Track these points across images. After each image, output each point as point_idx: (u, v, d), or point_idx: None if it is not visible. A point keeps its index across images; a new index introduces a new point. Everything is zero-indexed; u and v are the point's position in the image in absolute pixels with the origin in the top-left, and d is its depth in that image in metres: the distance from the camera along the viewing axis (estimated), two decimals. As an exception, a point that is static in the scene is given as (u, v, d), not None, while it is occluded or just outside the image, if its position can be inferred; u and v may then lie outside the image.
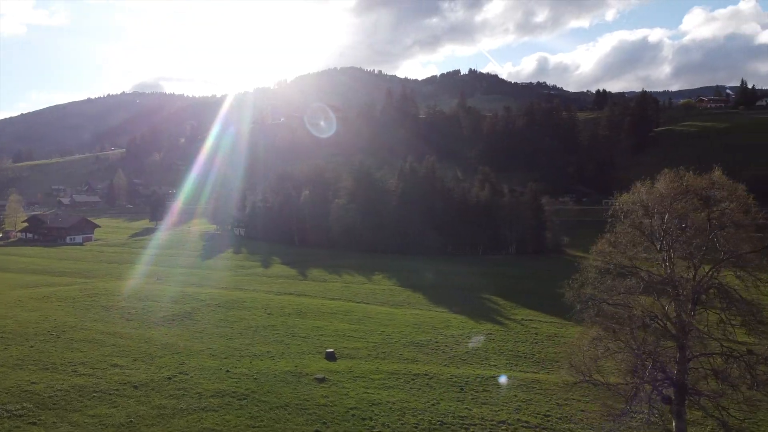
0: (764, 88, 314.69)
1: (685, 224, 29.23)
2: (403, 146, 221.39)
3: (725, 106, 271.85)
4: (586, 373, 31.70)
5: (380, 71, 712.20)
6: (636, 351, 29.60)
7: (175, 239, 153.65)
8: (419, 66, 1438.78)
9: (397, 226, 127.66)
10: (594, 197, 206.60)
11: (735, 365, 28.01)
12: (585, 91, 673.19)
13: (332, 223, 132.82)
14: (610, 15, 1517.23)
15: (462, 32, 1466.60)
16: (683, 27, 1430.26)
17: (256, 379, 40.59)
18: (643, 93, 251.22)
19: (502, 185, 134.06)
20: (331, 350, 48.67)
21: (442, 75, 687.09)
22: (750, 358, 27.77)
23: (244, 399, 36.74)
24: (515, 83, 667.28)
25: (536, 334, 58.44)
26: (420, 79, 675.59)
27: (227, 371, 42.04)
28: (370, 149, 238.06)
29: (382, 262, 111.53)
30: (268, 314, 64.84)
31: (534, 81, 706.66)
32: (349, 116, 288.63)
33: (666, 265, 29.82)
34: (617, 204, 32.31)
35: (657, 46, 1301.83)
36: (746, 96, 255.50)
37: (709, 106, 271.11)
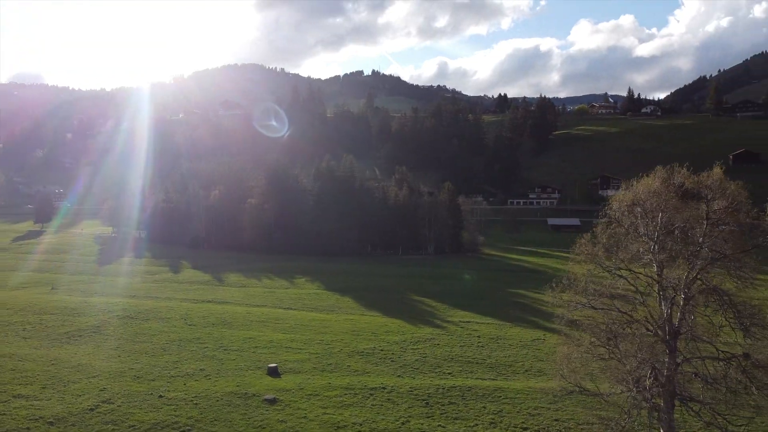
0: (648, 97, 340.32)
1: (680, 223, 27.99)
2: (312, 145, 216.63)
3: (614, 112, 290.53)
4: (577, 382, 29.87)
5: (282, 69, 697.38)
6: (637, 358, 27.98)
7: (66, 243, 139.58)
8: (322, 65, 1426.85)
9: (315, 227, 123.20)
10: (500, 197, 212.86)
11: (731, 369, 27.09)
12: (482, 95, 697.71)
13: (246, 224, 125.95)
14: (505, 23, 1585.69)
15: (365, 33, 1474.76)
16: (571, 38, 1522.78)
17: (196, 404, 35.45)
18: (543, 98, 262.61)
19: (419, 185, 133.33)
20: (274, 365, 44.12)
21: (346, 75, 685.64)
22: (747, 361, 26.94)
23: (189, 431, 31.67)
24: (417, 86, 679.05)
25: (478, 337, 56.79)
26: (323, 78, 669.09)
27: (160, 396, 36.52)
28: (276, 147, 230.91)
29: (302, 264, 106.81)
30: (190, 325, 58.83)
31: (435, 84, 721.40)
32: (254, 114, 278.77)
33: (658, 266, 28.40)
34: (614, 203, 30.52)
35: (547, 55, 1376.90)
36: (633, 103, 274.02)
37: (600, 111, 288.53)
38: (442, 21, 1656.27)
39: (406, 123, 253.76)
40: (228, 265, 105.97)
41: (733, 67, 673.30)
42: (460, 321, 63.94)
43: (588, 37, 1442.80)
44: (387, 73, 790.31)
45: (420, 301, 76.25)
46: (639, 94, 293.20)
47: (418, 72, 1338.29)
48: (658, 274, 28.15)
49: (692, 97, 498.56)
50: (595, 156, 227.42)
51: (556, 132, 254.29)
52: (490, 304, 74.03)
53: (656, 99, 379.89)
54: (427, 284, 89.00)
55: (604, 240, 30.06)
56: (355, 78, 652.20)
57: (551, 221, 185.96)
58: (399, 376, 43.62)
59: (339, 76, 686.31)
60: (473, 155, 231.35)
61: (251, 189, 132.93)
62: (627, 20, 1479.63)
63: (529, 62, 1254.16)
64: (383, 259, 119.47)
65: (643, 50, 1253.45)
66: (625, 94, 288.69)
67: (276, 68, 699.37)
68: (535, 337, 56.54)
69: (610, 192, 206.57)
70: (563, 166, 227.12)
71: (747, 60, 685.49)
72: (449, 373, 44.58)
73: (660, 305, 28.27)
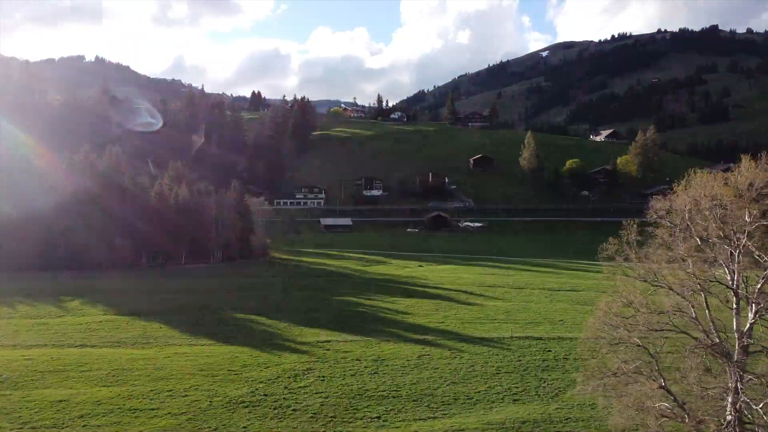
0: (395, 102, 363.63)
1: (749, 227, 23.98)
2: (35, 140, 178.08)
3: (364, 116, 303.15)
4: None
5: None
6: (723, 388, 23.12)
7: None
8: (31, 44, 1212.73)
9: (69, 235, 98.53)
10: (267, 197, 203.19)
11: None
12: (221, 93, 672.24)
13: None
14: (246, 22, 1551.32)
15: (89, 14, 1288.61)
16: (309, 43, 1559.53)
17: None
18: (303, 98, 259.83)
19: (204, 184, 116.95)
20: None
21: (64, 58, 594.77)
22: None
23: None
24: (150, 77, 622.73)
25: (358, 360, 48.11)
26: (36, 60, 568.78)
27: None
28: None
29: (63, 283, 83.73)
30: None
31: (170, 78, 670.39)
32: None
33: (731, 274, 24.03)
34: (675, 202, 25.12)
35: (287, 58, 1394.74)
36: (383, 109, 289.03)
37: (351, 115, 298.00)
38: (178, 11, 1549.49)
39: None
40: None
41: (446, 84, 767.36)
42: (319, 342, 54.25)
43: (326, 44, 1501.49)
44: (114, 60, 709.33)
45: (251, 320, 64.01)
46: (387, 101, 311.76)
47: (151, 63, 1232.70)
48: (734, 284, 23.83)
49: (414, 107, 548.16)
50: (355, 157, 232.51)
51: (315, 133, 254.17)
52: (330, 317, 65.55)
53: (373, 107, 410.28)
54: (242, 298, 76.31)
55: (682, 251, 24.60)
56: (74, 63, 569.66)
57: (324, 221, 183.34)
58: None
59: (54, 59, 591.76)
60: (234, 154, 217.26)
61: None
62: (361, 32, 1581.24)
63: (269, 63, 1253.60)
64: (165, 270, 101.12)
65: (373, 62, 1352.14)
66: (357, 101, 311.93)
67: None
68: (418, 354, 50.01)
69: (374, 192, 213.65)
70: (326, 167, 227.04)
71: (456, 78, 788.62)
72: (380, 418, 35.36)
73: (734, 320, 23.99)
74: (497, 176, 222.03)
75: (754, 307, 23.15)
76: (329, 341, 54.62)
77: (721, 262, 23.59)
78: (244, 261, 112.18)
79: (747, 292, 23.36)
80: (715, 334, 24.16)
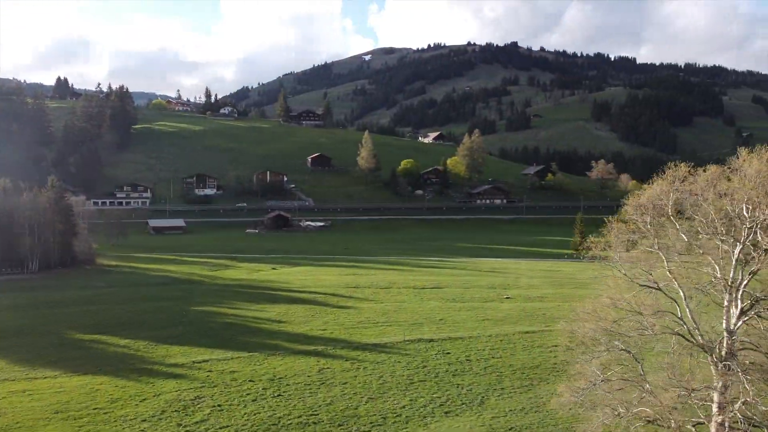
0: (193, 99, 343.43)
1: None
2: None
3: (190, 110, 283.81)
4: None
5: None
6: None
7: None
8: None
9: None
10: (81, 196, 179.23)
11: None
12: (11, 78, 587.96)
13: None
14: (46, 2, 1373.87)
15: None
16: (122, 30, 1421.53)
17: None
18: (122, 87, 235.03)
19: (11, 180, 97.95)
20: None
21: None
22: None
23: None
24: None
25: (251, 382, 41.85)
26: None
27: None
28: None
29: None
30: None
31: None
32: None
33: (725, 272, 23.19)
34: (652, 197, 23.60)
35: (92, 44, 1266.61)
36: (212, 104, 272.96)
37: (177, 108, 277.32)
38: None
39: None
40: None
41: (271, 81, 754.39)
42: (195, 363, 46.72)
43: (141, 32, 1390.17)
44: None
45: (98, 341, 53.69)
46: (216, 95, 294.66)
47: None
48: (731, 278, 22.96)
49: (239, 103, 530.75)
50: (185, 153, 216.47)
51: (137, 126, 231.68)
52: (195, 332, 57.61)
53: (202, 101, 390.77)
54: (77, 314, 64.40)
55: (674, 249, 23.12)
56: None
57: (153, 223, 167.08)
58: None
59: None
60: (39, 147, 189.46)
61: None
62: (179, 23, 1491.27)
63: (73, 49, 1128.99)
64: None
65: (193, 55, 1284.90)
66: (173, 94, 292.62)
67: None
68: (316, 368, 45.01)
69: (208, 191, 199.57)
70: (151, 164, 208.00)
71: (281, 76, 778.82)
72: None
73: (727, 314, 23.17)
74: (336, 175, 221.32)
75: (739, 304, 22.68)
76: (206, 360, 47.31)
77: (711, 259, 22.81)
78: (67, 270, 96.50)
79: (733, 288, 22.81)
80: (699, 334, 23.39)
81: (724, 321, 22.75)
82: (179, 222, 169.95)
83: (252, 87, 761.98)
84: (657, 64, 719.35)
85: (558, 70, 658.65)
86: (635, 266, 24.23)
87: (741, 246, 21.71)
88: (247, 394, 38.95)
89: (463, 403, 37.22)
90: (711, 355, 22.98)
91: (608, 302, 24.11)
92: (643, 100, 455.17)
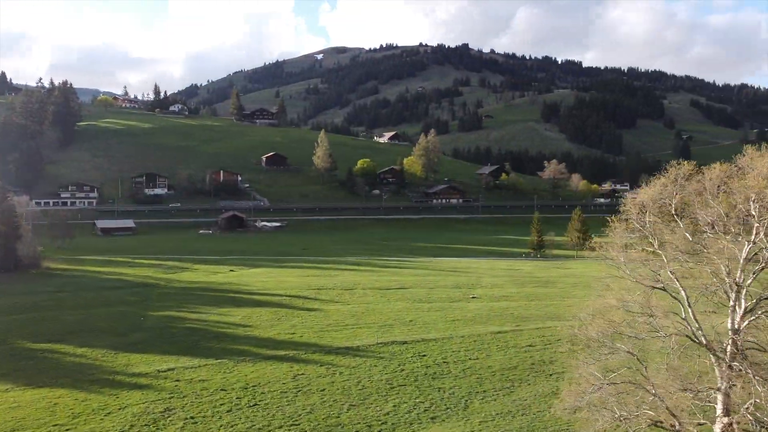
0: (140, 96, 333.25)
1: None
2: None
3: (138, 107, 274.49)
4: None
5: None
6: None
7: None
8: None
9: None
10: (23, 196, 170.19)
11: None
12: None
13: None
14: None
15: None
16: (62, 24, 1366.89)
17: None
18: (66, 83, 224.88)
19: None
20: None
21: None
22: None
23: None
24: None
25: (225, 390, 39.83)
26: None
27: None
28: None
29: None
30: None
31: None
32: None
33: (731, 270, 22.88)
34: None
35: (32, 38, 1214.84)
36: (161, 101, 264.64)
37: (124, 105, 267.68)
38: None
39: None
40: None
41: (221, 79, 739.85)
42: (160, 371, 44.25)
43: (83, 26, 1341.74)
44: None
45: (52, 350, 50.25)
46: (166, 92, 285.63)
47: None
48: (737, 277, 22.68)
49: (189, 101, 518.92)
50: (133, 152, 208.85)
51: (82, 123, 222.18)
52: (156, 338, 54.87)
53: (150, 98, 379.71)
54: (26, 321, 60.44)
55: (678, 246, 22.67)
56: None
57: (101, 224, 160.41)
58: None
59: None
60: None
61: None
62: (124, 18, 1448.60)
63: (8, 43, 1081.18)
64: None
65: (139, 51, 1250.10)
66: (119, 91, 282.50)
67: None
68: (290, 375, 43.32)
69: (158, 190, 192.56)
70: (98, 162, 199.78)
71: (231, 74, 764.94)
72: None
73: (733, 314, 22.85)
74: (291, 174, 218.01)
75: (743, 304, 22.51)
76: (172, 369, 44.86)
77: (716, 259, 22.52)
78: (10, 275, 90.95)
79: (739, 287, 22.60)
80: (703, 334, 23.12)
81: (729, 321, 22.50)
82: (129, 223, 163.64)
83: (201, 85, 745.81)
84: (602, 67, 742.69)
85: (508, 72, 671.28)
86: (640, 266, 23.75)
87: (750, 245, 21.47)
88: (221, 405, 36.97)
89: (447, 408, 36.31)
90: (715, 356, 22.73)
91: (615, 303, 23.55)
92: (590, 103, 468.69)
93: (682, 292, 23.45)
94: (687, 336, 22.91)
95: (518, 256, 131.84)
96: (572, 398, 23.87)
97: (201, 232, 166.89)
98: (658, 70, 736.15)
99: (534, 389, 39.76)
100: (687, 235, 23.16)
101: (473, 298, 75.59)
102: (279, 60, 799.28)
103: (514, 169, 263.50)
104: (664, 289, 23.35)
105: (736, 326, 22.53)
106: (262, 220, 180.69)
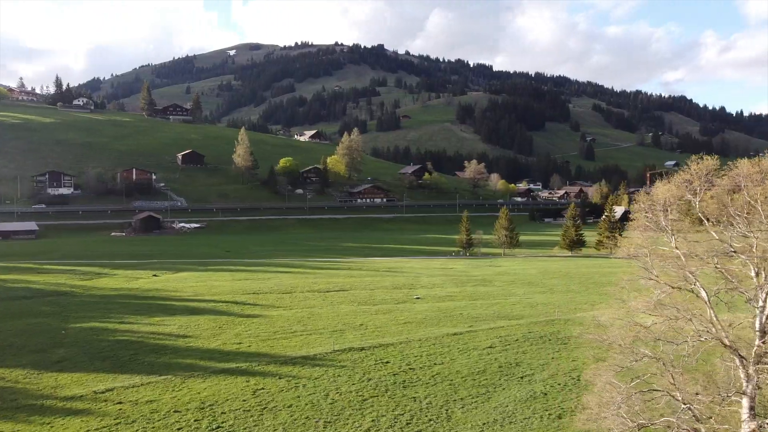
0: (79, 83, 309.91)
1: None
2: None
3: (36, 100, 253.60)
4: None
5: None
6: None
7: None
8: None
9: None
10: None
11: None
12: None
13: None
14: None
15: None
16: None
17: None
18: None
19: None
20: None
21: None
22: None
23: None
24: None
25: (179, 412, 35.63)
26: None
27: None
28: None
29: None
30: None
31: None
32: None
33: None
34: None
35: None
36: (63, 94, 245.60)
37: (21, 98, 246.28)
38: None
39: None
40: None
41: (126, 73, 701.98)
42: (97, 393, 39.19)
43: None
44: None
45: (-40, 374, 43.56)
46: (69, 84, 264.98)
47: None
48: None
49: (92, 94, 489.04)
50: (34, 149, 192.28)
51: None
52: (84, 354, 49.08)
53: (50, 91, 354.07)
54: None
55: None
56: None
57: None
58: None
59: None
60: None
61: None
62: (18, 4, 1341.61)
63: None
64: None
65: (35, 41, 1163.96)
66: (13, 83, 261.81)
67: None
68: (249, 390, 39.65)
69: (63, 190, 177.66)
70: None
71: (137, 68, 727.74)
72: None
73: (761, 314, 22.07)
74: (209, 173, 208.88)
75: None
76: (111, 389, 39.92)
77: (743, 257, 21.73)
78: None
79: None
80: (726, 336, 22.31)
81: (758, 322, 21.79)
82: (30, 225, 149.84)
83: (104, 78, 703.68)
84: (511, 71, 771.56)
85: (423, 74, 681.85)
86: (662, 267, 22.64)
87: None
88: (178, 430, 32.90)
89: (430, 420, 34.15)
90: (740, 358, 21.95)
91: (636, 306, 22.28)
92: (502, 105, 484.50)
93: (703, 293, 22.56)
94: (713, 337, 21.98)
95: (448, 255, 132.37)
96: (597, 407, 22.40)
97: (114, 234, 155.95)
98: (562, 75, 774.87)
99: (510, 394, 38.45)
100: (713, 233, 22.28)
101: (417, 298, 74.16)
102: (189, 55, 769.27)
103: (434, 169, 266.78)
104: (689, 290, 22.35)
105: (765, 328, 21.84)
106: (181, 221, 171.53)
